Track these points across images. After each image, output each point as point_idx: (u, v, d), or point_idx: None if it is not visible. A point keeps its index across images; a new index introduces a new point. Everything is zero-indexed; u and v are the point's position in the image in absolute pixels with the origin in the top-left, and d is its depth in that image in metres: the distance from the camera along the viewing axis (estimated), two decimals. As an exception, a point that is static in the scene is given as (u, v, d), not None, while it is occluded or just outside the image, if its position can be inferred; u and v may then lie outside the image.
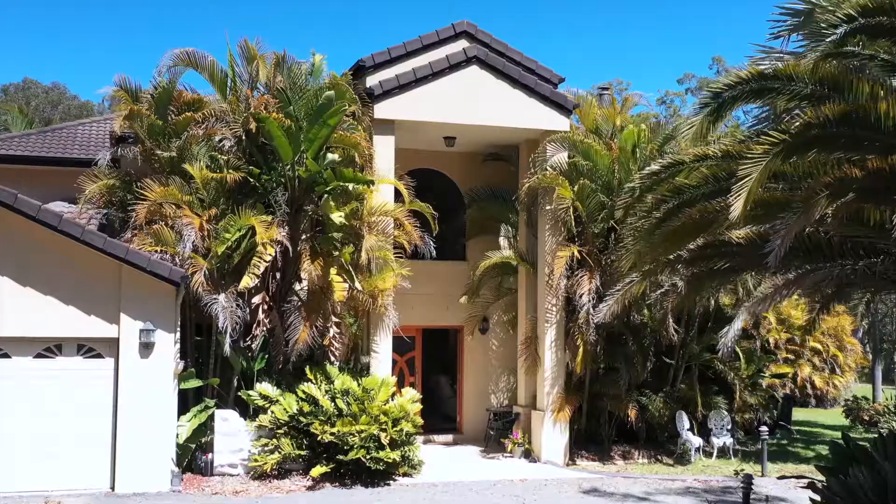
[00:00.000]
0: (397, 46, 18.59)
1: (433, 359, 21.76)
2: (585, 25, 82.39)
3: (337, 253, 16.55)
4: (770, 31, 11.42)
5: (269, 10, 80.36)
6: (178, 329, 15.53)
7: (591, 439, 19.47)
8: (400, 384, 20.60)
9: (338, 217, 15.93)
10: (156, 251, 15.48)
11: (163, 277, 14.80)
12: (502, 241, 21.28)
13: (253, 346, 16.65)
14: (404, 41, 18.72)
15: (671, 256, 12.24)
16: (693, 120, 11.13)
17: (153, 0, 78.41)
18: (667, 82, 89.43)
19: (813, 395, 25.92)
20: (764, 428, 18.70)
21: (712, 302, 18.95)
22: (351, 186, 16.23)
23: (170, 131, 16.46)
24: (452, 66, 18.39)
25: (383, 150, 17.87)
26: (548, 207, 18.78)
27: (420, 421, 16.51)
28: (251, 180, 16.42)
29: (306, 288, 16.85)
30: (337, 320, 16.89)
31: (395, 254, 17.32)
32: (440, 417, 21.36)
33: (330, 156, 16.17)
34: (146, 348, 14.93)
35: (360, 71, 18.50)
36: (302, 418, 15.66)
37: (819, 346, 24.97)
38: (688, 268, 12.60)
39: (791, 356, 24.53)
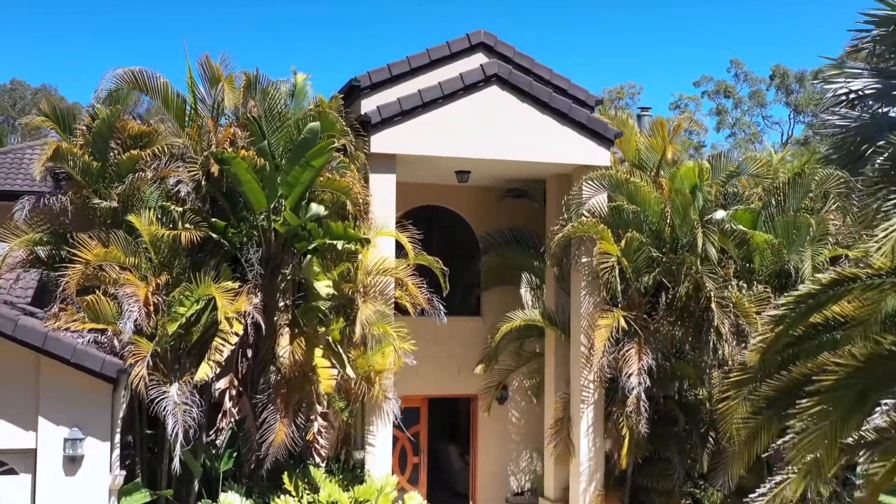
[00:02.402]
0: (399, 62, 15.08)
1: (441, 434, 18.31)
2: (594, 25, 78.82)
3: (323, 329, 13.07)
4: (851, 42, 8.26)
5: (266, 28, 76.88)
6: (118, 431, 12.07)
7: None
8: (402, 465, 17.20)
9: (324, 287, 12.46)
10: (91, 331, 12.02)
11: (93, 372, 11.33)
12: (525, 294, 17.81)
13: (218, 441, 13.21)
14: (408, 56, 15.22)
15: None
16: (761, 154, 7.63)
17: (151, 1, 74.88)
18: (681, 85, 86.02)
19: None
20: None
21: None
22: (341, 244, 12.74)
23: (111, 173, 12.96)
24: (468, 88, 14.87)
25: (382, 192, 14.38)
26: (584, 260, 15.30)
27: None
28: (214, 236, 12.91)
29: (286, 369, 13.36)
30: (323, 411, 13.41)
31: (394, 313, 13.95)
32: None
33: (314, 208, 12.69)
34: (72, 462, 11.46)
35: (353, 93, 15.00)
36: (278, 545, 12.22)
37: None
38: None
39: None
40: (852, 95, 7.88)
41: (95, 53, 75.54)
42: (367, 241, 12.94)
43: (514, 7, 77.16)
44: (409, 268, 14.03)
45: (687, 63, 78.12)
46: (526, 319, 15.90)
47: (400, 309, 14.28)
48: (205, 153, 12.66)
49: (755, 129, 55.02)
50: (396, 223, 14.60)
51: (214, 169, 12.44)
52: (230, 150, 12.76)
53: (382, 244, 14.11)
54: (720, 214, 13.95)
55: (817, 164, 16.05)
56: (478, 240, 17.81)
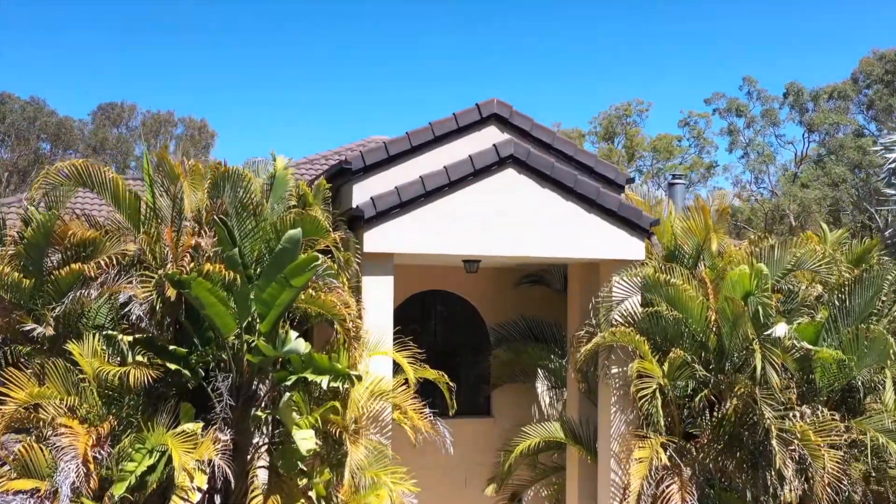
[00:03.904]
0: (398, 140, 12.79)
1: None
2: (599, 39, 76.56)
3: (305, 481, 10.78)
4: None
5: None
6: None
7: None
8: None
9: (305, 441, 10.17)
10: (17, 493, 9.74)
11: (14, 562, 9.06)
12: (542, 395, 15.55)
13: None
14: (407, 132, 12.95)
15: None
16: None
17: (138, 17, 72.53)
18: (691, 102, 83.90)
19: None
20: None
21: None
22: (326, 381, 10.44)
23: (48, 291, 10.68)
24: (479, 172, 12.59)
25: (376, 298, 12.10)
26: (614, 371, 13.04)
27: None
28: (173, 367, 10.60)
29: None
30: (306, 573, 11.12)
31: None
32: None
33: (294, 342, 10.39)
34: None
35: (342, 176, 12.73)
36: None
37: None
38: None
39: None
40: None
41: (88, 65, 73.37)
42: (359, 378, 10.64)
43: (517, 19, 74.90)
44: (409, 392, 11.76)
45: (696, 81, 76.02)
46: (545, 436, 13.66)
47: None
48: (158, 272, 10.34)
49: (769, 151, 52.82)
50: (395, 311, 12.41)
51: (171, 293, 10.13)
52: (192, 263, 10.49)
53: (377, 363, 11.84)
54: (781, 330, 11.66)
55: (882, 252, 13.79)
56: (488, 331, 15.54)
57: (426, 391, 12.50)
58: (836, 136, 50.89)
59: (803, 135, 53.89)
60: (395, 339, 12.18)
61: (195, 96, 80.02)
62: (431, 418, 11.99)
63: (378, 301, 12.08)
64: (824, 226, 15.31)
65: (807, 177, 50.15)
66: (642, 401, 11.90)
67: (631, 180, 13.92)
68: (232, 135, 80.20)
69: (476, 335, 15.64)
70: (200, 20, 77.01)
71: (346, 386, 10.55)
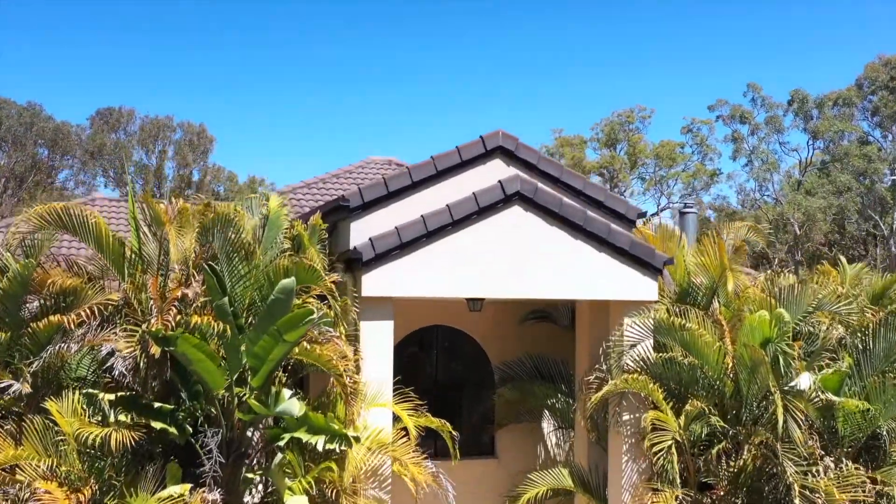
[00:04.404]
0: (398, 175, 12.13)
1: None
2: (602, 45, 75.91)
3: (299, 549, 10.14)
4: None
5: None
6: None
7: None
8: None
9: (298, 506, 9.53)
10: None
11: None
12: (548, 435, 14.89)
13: None
14: (408, 166, 12.30)
15: None
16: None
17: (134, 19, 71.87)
18: (694, 108, 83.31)
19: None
20: None
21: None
22: (322, 442, 9.80)
23: (25, 344, 10.04)
24: (483, 210, 11.94)
25: (375, 344, 11.43)
26: (626, 417, 12.39)
27: None
28: (158, 426, 9.95)
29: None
30: None
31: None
32: None
33: (288, 403, 9.76)
34: None
35: (339, 212, 12.06)
36: None
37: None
38: None
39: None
40: None
41: (86, 69, 72.74)
42: (357, 439, 9.99)
43: (518, 24, 74.26)
44: (409, 446, 11.12)
45: (699, 88, 75.43)
46: (553, 485, 13.00)
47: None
48: (143, 325, 9.69)
49: (773, 159, 52.19)
50: (395, 348, 11.80)
51: (155, 350, 9.47)
52: (178, 316, 9.84)
53: (376, 414, 11.20)
54: (805, 382, 11.02)
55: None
56: (493, 370, 14.89)
57: (428, 430, 11.89)
58: (841, 143, 50.28)
59: (808, 142, 53.30)
60: (395, 385, 11.55)
61: (194, 101, 79.48)
62: (433, 469, 11.35)
63: (377, 348, 11.43)
64: (843, 259, 14.67)
65: (811, 183, 49.63)
66: (657, 456, 11.25)
67: (642, 215, 13.26)
68: (232, 138, 79.62)
69: (480, 372, 15.00)
70: (200, 21, 76.38)
71: (342, 448, 9.89)
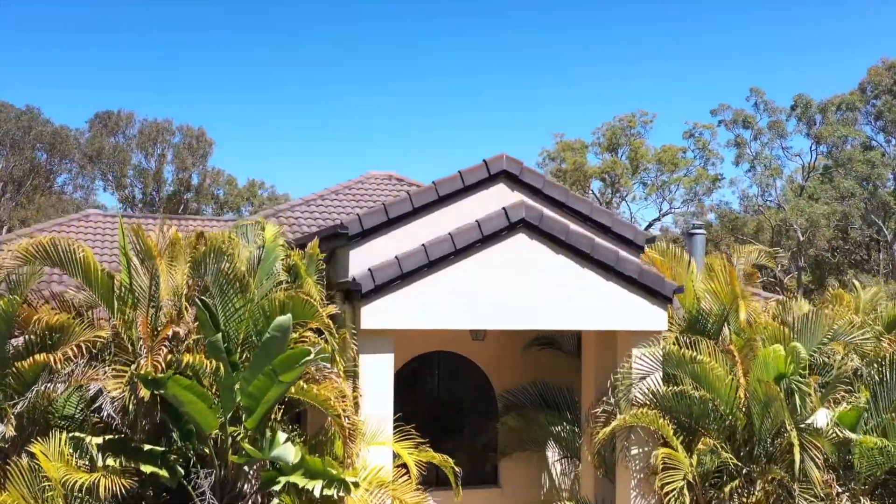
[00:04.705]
0: (399, 202, 11.71)
1: None
2: (603, 48, 75.55)
3: None
4: None
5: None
6: None
7: None
8: None
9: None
10: None
11: None
12: (552, 464, 14.48)
13: None
14: (409, 192, 11.88)
15: None
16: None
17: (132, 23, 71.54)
18: (696, 113, 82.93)
19: None
20: None
21: None
22: (319, 488, 9.38)
23: (10, 384, 9.62)
24: (487, 239, 11.53)
25: (375, 379, 11.03)
26: (634, 452, 11.97)
27: None
28: (147, 470, 9.53)
29: None
30: None
31: None
32: None
33: (283, 448, 9.35)
34: None
35: (338, 239, 11.63)
36: None
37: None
38: None
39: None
40: None
41: (83, 74, 72.38)
42: (356, 485, 9.56)
43: (519, 26, 73.89)
44: (411, 485, 10.70)
45: (701, 92, 75.00)
46: (559, 520, 12.60)
47: None
48: (132, 366, 9.28)
49: (776, 165, 51.74)
50: (396, 375, 11.42)
51: (144, 393, 9.05)
52: (169, 356, 9.43)
53: (376, 453, 10.78)
54: (822, 419, 10.63)
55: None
56: (496, 397, 14.48)
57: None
58: (845, 147, 49.83)
59: (811, 147, 52.88)
60: (396, 419, 11.15)
61: (192, 104, 79.07)
62: (435, 507, 10.96)
63: (377, 383, 11.02)
64: (857, 284, 14.25)
65: (813, 188, 49.24)
66: (668, 497, 10.83)
67: (651, 240, 12.88)
68: (231, 141, 79.21)
69: (483, 399, 14.59)
70: (199, 23, 76.00)
71: (340, 494, 9.47)
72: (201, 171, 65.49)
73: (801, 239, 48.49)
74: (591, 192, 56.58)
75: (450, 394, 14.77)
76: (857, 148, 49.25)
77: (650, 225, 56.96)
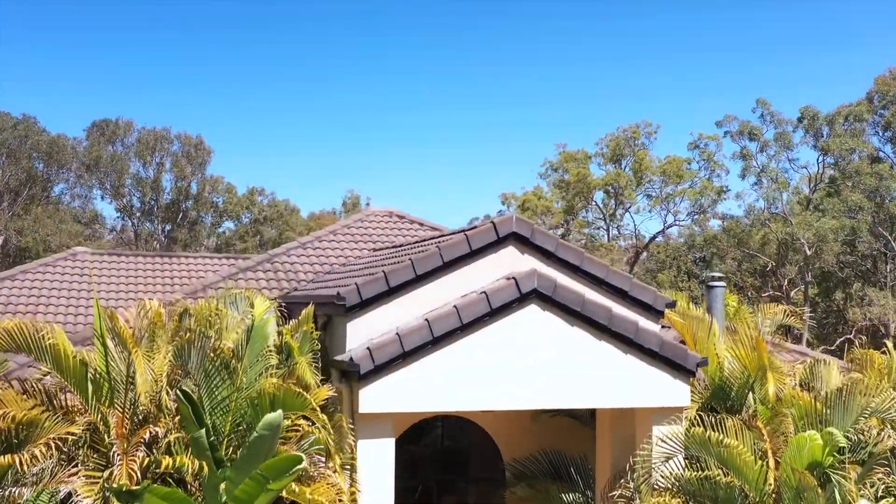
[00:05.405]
0: (400, 269, 10.80)
1: None
2: (607, 59, 74.65)
3: None
4: None
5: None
6: None
7: None
8: None
9: None
10: None
11: None
12: (565, 537, 13.56)
13: None
14: (412, 258, 10.98)
15: None
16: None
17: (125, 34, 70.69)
18: (701, 124, 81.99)
19: None
20: None
21: None
22: None
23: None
24: (496, 312, 10.61)
25: (373, 466, 10.13)
26: (655, 537, 11.07)
27: None
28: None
29: None
30: None
31: None
32: None
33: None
34: None
35: (333, 308, 10.71)
36: None
37: None
38: None
39: None
40: None
41: (81, 82, 71.55)
42: None
43: (523, 37, 73.02)
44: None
45: (706, 103, 74.13)
46: None
47: None
48: (105, 472, 8.38)
49: (783, 178, 50.80)
50: (399, 440, 10.59)
51: (117, 506, 8.16)
52: (146, 458, 8.53)
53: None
54: (863, 513, 9.73)
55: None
56: (505, 464, 13.58)
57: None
58: (852, 159, 48.91)
59: (818, 159, 51.99)
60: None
61: (191, 111, 78.19)
62: None
63: (376, 473, 10.12)
64: (889, 345, 13.33)
65: (820, 200, 48.38)
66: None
67: (671, 305, 11.96)
68: (230, 149, 78.38)
69: (491, 467, 13.70)
70: (198, 27, 75.16)
71: None
72: (200, 179, 64.61)
73: (809, 253, 47.60)
74: (594, 203, 55.76)
75: (456, 460, 13.87)
76: (864, 160, 48.32)
77: (653, 238, 56.13)
